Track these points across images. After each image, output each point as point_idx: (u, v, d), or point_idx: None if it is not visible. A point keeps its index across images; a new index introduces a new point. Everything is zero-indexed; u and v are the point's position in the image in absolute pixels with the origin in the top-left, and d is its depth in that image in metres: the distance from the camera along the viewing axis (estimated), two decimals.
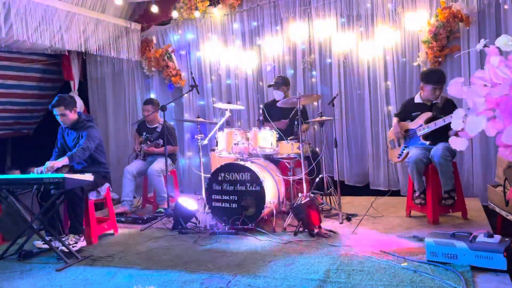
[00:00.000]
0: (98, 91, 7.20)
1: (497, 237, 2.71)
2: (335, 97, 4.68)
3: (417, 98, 4.27)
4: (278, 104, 4.80)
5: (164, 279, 2.92)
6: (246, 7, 6.07)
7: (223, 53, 6.29)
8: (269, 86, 5.34)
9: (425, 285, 2.52)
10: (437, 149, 3.89)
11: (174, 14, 6.31)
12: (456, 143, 1.56)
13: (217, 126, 4.79)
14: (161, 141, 5.15)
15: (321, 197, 4.71)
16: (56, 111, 4.03)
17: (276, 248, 3.43)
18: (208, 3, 6.20)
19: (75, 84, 6.66)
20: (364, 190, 5.63)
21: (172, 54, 6.54)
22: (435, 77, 4.08)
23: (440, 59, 5.03)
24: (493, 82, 1.46)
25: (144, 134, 5.43)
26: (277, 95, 5.14)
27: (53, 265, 3.40)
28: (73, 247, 3.65)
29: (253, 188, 4.03)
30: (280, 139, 4.63)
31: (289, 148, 4.52)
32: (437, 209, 3.98)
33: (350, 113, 5.71)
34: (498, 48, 1.53)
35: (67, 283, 2.99)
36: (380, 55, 5.43)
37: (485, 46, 1.59)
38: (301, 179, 4.33)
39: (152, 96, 6.74)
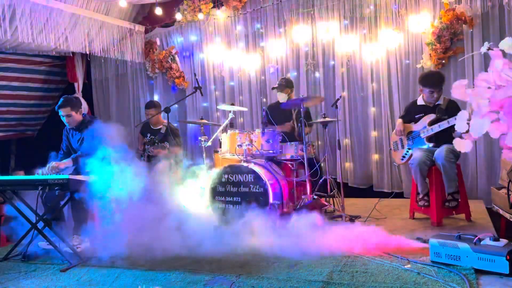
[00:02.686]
0: (102, 92, 7.23)
1: (503, 241, 2.70)
2: (338, 99, 4.68)
3: (420, 100, 4.28)
4: (281, 106, 4.81)
5: (168, 280, 2.93)
6: (250, 9, 6.08)
7: (227, 55, 6.30)
8: (273, 88, 5.34)
9: (429, 287, 2.52)
10: (441, 151, 3.89)
11: (178, 16, 6.33)
12: (461, 145, 1.57)
13: (221, 128, 4.80)
14: (166, 143, 5.16)
15: (324, 199, 4.70)
16: (62, 112, 4.04)
17: (280, 249, 3.43)
18: (211, 5, 6.22)
19: (79, 85, 6.70)
20: (367, 192, 5.63)
21: (176, 56, 6.57)
22: (431, 81, 4.08)
23: (443, 61, 5.03)
24: (497, 84, 1.46)
25: (148, 136, 5.45)
26: (281, 97, 5.13)
27: (57, 266, 3.41)
28: (77, 248, 3.66)
29: (257, 190, 4.03)
30: (283, 141, 4.63)
31: (292, 150, 4.52)
32: (441, 211, 3.97)
33: (354, 115, 5.71)
34: (502, 50, 1.54)
35: (71, 284, 3.00)
36: (384, 57, 5.43)
37: (489, 49, 1.60)
38: (304, 180, 4.34)
39: (156, 97, 6.76)
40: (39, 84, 6.78)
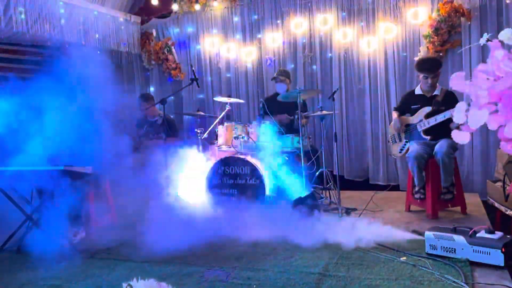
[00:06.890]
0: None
1: (498, 234, 2.70)
2: (335, 92, 4.66)
3: (418, 89, 4.27)
4: (278, 98, 4.79)
5: (164, 272, 2.92)
6: (247, 0, 6.04)
7: (223, 46, 6.27)
8: (273, 79, 5.31)
9: (424, 279, 2.53)
10: (441, 146, 3.88)
11: (174, 7, 6.28)
12: (458, 137, 1.56)
13: (217, 120, 4.78)
14: (162, 135, 5.12)
15: (320, 191, 4.71)
16: None
17: (276, 241, 3.43)
18: None
19: None
20: (363, 184, 5.64)
21: (172, 47, 6.52)
22: (426, 66, 4.10)
23: (441, 54, 5.02)
24: (496, 75, 1.45)
25: (145, 128, 5.42)
26: (280, 88, 5.09)
27: (52, 258, 3.39)
28: (72, 239, 3.65)
29: (253, 182, 4.03)
30: (280, 133, 4.62)
31: (289, 142, 4.51)
32: (437, 204, 3.98)
33: (350, 108, 5.71)
34: (500, 41, 1.53)
35: (67, 275, 2.99)
36: (381, 49, 5.42)
37: (487, 40, 1.59)
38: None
39: (151, 89, 6.72)
40: (34, 75, 6.72)
